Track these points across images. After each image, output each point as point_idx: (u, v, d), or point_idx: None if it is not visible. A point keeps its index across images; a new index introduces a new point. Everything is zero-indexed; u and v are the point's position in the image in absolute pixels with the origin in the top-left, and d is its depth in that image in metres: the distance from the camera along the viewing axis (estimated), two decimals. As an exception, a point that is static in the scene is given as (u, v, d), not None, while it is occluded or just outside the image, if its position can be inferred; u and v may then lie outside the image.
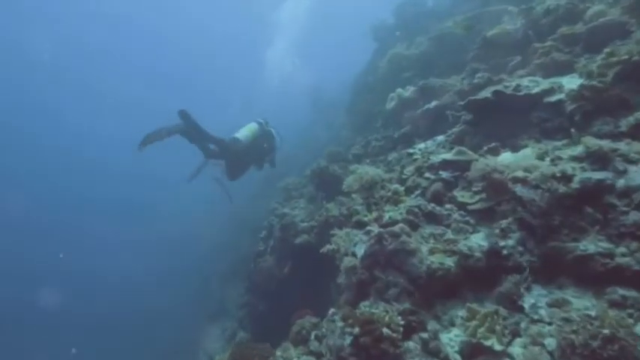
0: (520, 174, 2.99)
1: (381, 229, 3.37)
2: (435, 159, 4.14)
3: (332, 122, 15.30)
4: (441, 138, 4.87)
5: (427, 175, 4.05)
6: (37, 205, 28.15)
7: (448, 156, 3.95)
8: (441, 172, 3.88)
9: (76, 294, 19.44)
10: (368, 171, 4.38)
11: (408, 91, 7.89)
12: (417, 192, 3.98)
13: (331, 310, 3.93)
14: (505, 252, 2.80)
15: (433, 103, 6.60)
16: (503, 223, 2.95)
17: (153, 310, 15.31)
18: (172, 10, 39.56)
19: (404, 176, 4.43)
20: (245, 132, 7.05)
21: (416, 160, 4.70)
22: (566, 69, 4.91)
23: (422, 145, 5.00)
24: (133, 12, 36.97)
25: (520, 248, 2.78)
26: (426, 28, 10.34)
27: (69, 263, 21.66)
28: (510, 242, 2.84)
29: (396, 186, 4.21)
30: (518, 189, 2.91)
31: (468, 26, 6.93)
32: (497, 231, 2.96)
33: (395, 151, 7.67)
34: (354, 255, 3.65)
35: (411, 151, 5.01)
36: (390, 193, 4.11)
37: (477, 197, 3.47)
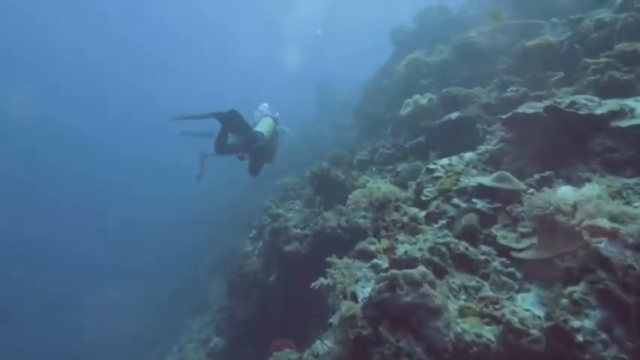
0: (605, 224, 2.00)
1: (396, 271, 2.37)
2: (468, 182, 3.13)
3: (339, 123, 14.32)
4: (470, 155, 3.87)
5: (456, 201, 3.05)
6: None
7: (486, 181, 2.95)
8: (475, 201, 2.89)
9: (73, 277, 18.55)
10: (380, 186, 3.39)
11: (426, 98, 6.89)
12: (442, 222, 2.99)
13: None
14: (580, 338, 1.82)
15: (455, 114, 5.60)
16: (577, 291, 1.96)
17: (137, 298, 14.32)
18: (186, 8, 38.25)
19: (424, 197, 3.44)
20: (265, 127, 6.56)
21: (438, 178, 3.71)
22: (624, 90, 3.93)
23: (445, 161, 4.00)
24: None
25: (603, 335, 1.80)
26: (448, 37, 9.34)
27: (69, 247, 20.71)
28: (588, 324, 1.85)
29: (414, 210, 3.22)
30: (605, 246, 1.92)
31: (498, 15, 6.07)
32: (565, 301, 1.97)
33: (406, 162, 6.67)
34: (354, 297, 2.66)
35: (431, 166, 4.01)
36: (406, 219, 3.11)
37: (526, 242, 2.49)
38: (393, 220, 3.22)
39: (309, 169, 6.91)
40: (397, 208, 3.34)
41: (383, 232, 3.21)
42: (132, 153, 30.34)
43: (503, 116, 3.50)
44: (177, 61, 38.66)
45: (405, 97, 8.29)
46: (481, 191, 2.95)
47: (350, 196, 3.49)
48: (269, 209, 7.86)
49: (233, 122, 5.79)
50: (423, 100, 6.88)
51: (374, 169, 6.99)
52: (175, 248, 15.22)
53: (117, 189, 27.41)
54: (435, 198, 3.29)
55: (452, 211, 3.01)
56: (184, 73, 38.54)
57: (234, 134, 6.34)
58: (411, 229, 2.99)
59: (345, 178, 6.67)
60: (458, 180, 3.23)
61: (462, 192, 3.10)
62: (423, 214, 3.17)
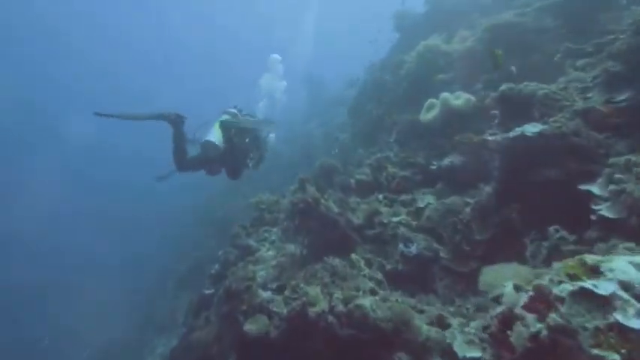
0: None
1: None
2: None
3: (330, 121, 11.42)
4: None
5: None
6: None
7: None
8: None
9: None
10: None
11: (461, 98, 4.09)
12: None
13: None
14: None
15: (533, 128, 2.84)
16: None
17: (108, 305, 11.41)
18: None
19: None
20: (215, 135, 4.28)
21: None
22: None
23: (622, 269, 1.27)
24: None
25: None
26: (469, 23, 6.48)
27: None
28: None
29: None
30: None
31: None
32: None
33: (430, 192, 3.92)
34: None
35: (585, 285, 1.27)
36: None
37: None
38: None
39: (287, 197, 4.09)
40: None
41: None
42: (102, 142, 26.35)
43: None
44: (171, 57, 34.48)
45: (416, 95, 5.59)
46: None
47: None
48: (237, 239, 5.06)
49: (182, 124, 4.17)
50: (457, 100, 4.08)
51: (380, 197, 4.23)
52: (145, 247, 12.33)
53: (84, 176, 23.71)
54: None
55: None
56: (177, 70, 34.43)
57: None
58: None
59: (340, 212, 3.91)
60: None
61: None
62: None
